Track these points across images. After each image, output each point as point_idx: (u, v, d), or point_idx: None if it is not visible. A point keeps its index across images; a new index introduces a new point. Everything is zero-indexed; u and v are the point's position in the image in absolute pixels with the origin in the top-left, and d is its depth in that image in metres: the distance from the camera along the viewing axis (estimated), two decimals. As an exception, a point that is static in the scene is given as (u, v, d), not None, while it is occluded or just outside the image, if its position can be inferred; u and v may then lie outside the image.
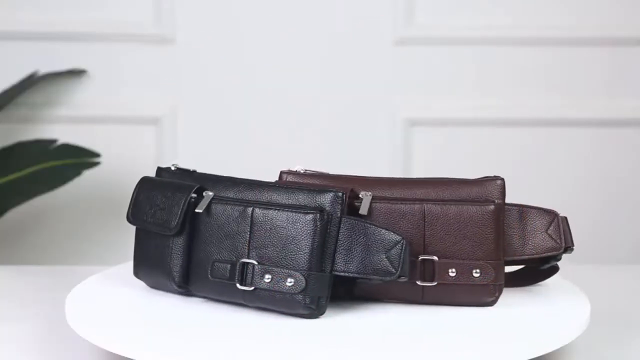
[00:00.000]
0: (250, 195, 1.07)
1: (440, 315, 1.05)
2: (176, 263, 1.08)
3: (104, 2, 2.05)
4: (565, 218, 1.11)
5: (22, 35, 2.05)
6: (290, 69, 2.08)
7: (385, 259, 1.01)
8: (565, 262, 1.21)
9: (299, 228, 1.02)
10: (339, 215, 1.03)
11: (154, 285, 1.13)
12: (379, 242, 1.02)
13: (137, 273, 1.14)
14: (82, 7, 2.05)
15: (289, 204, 1.05)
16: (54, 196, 2.00)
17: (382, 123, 2.08)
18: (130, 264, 1.23)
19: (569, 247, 1.11)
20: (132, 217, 1.14)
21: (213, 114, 2.09)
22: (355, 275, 1.02)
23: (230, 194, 1.08)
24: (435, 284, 1.06)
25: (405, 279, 1.02)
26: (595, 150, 2.11)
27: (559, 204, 2.09)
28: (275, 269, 1.02)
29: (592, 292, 1.19)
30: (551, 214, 1.10)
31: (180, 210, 1.08)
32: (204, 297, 1.08)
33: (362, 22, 2.06)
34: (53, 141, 1.93)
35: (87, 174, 1.95)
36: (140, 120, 2.09)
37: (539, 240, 1.09)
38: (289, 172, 1.15)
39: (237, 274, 1.03)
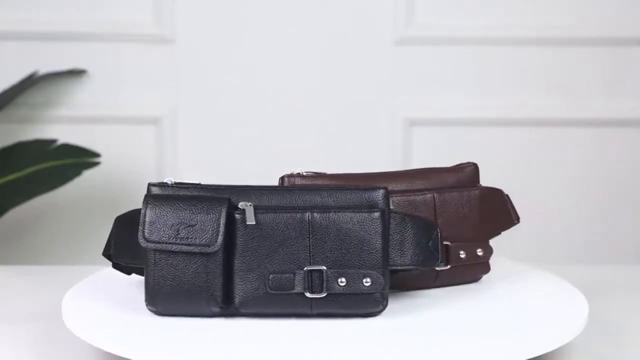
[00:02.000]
0: (285, 201, 1.03)
1: (437, 315, 1.04)
2: (217, 282, 1.00)
3: (104, 2, 2.05)
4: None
5: (22, 35, 2.05)
6: (289, 68, 2.07)
7: (431, 247, 1.04)
8: (565, 262, 1.21)
9: (366, 227, 1.01)
10: (388, 209, 1.04)
11: (182, 312, 1.02)
12: (423, 231, 1.04)
13: (154, 302, 1.02)
14: (83, 7, 2.05)
15: (345, 205, 1.03)
16: (53, 196, 2.00)
17: (382, 123, 2.08)
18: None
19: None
20: (145, 239, 1.01)
21: (213, 113, 2.08)
22: (410, 267, 1.03)
23: (265, 202, 1.03)
24: (449, 267, 1.13)
25: (444, 265, 1.10)
26: (595, 150, 2.11)
27: (558, 204, 2.12)
28: (349, 271, 1.00)
29: (590, 292, 1.19)
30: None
31: (219, 225, 1.00)
32: (253, 315, 1.02)
33: (362, 21, 2.06)
34: (53, 141, 1.93)
35: (87, 174, 1.95)
36: (140, 120, 2.09)
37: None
38: (290, 176, 1.12)
39: (304, 282, 1.00)
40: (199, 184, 1.04)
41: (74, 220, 2.09)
